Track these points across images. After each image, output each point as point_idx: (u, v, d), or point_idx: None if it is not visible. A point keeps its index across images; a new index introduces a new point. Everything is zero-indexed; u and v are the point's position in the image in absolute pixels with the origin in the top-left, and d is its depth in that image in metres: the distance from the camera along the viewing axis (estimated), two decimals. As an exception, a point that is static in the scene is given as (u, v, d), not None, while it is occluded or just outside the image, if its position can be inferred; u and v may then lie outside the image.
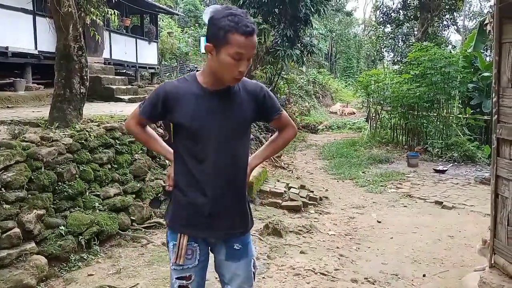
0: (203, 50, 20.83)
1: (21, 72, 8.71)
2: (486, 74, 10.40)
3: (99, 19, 5.57)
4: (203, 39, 20.37)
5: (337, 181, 8.14)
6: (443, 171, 8.38)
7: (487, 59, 12.40)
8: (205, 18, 11.13)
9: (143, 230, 4.66)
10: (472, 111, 10.43)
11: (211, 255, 1.95)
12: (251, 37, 1.65)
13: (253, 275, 1.95)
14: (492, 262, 2.96)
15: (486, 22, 10.18)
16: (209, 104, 1.76)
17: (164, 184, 2.12)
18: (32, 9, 8.72)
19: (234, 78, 1.72)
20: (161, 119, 1.88)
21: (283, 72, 14.06)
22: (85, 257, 3.85)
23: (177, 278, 1.86)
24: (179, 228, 1.84)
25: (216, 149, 1.77)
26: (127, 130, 2.01)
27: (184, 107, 1.75)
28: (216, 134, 1.76)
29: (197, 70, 1.92)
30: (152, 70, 14.59)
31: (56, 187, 3.91)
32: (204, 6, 23.07)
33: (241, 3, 11.74)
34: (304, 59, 13.26)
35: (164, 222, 4.83)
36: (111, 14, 5.97)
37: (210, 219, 1.81)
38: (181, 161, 1.82)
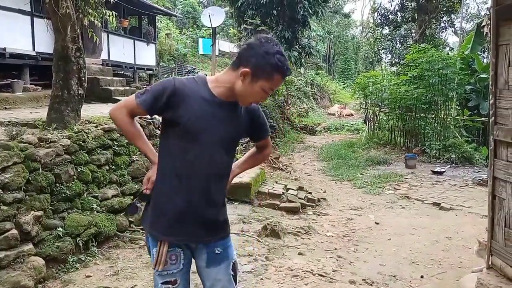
0: (201, 52, 20.96)
1: (19, 73, 8.71)
2: (483, 75, 10.43)
3: (97, 20, 5.56)
4: (201, 41, 20.42)
5: (335, 183, 8.15)
6: (441, 173, 8.40)
7: (484, 61, 12.47)
8: (203, 19, 11.13)
9: (141, 231, 4.65)
10: (470, 112, 10.46)
11: None
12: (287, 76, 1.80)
13: (233, 278, 1.93)
14: (490, 263, 2.97)
15: (483, 24, 10.23)
16: (216, 111, 1.78)
17: (141, 188, 2.07)
18: (30, 10, 8.73)
19: (250, 103, 1.82)
20: (158, 114, 1.80)
21: (281, 74, 14.05)
22: (83, 259, 3.85)
23: (162, 283, 1.85)
24: (160, 235, 1.81)
25: (210, 155, 1.78)
26: (114, 119, 1.85)
27: (190, 107, 1.74)
28: (215, 140, 1.78)
29: (205, 74, 1.94)
30: (150, 72, 14.59)
31: (54, 189, 3.91)
32: (202, 8, 23.08)
33: (239, 4, 11.76)
34: (302, 60, 13.31)
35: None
36: (109, 16, 5.97)
37: (192, 225, 1.80)
38: (168, 164, 1.80)
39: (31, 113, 6.43)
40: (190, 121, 1.73)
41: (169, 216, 1.80)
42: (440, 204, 6.31)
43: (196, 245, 1.87)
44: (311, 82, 22.44)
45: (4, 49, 8.02)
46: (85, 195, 4.26)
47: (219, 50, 18.54)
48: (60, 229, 3.76)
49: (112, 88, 9.80)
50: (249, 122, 1.89)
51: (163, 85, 1.77)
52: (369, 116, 13.42)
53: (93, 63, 10.38)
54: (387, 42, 23.52)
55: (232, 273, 1.92)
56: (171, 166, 1.79)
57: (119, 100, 9.38)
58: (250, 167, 2.17)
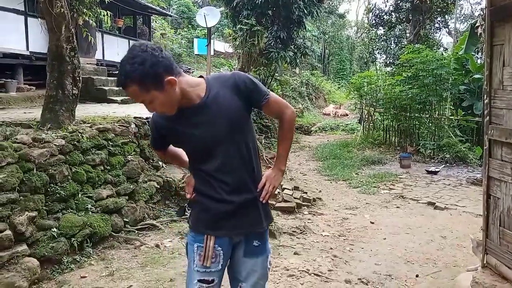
0: (196, 52, 20.95)
1: (12, 73, 8.65)
2: (477, 76, 10.49)
3: (91, 20, 5.54)
4: (196, 41, 20.38)
5: (331, 182, 8.16)
6: (435, 172, 8.44)
7: (478, 61, 12.52)
8: (198, 19, 11.11)
9: (136, 232, 4.64)
10: (464, 112, 10.51)
11: None
12: (124, 88, 1.64)
13: (268, 271, 1.99)
14: (485, 262, 2.99)
15: (477, 24, 10.29)
16: (192, 121, 1.78)
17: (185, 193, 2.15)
18: (23, 9, 8.67)
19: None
20: (167, 146, 2.01)
21: (277, 74, 14.07)
22: (77, 259, 3.83)
23: (199, 281, 1.85)
24: (205, 230, 1.86)
25: (218, 155, 1.80)
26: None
27: (174, 128, 1.82)
28: (211, 141, 1.79)
29: (201, 76, 1.96)
30: (145, 72, 14.51)
31: (48, 189, 3.88)
32: (197, 8, 23.05)
33: (234, 5, 11.74)
34: (297, 60, 13.26)
35: (157, 224, 4.82)
36: (104, 15, 5.94)
37: (232, 219, 1.84)
38: (196, 170, 1.90)
39: (25, 113, 6.39)
40: (182, 138, 1.84)
41: (211, 212, 1.85)
42: (434, 203, 6.33)
43: (239, 239, 1.90)
44: (306, 82, 22.47)
45: (-3, 48, 7.96)
46: (79, 195, 4.24)
47: (214, 50, 18.51)
48: (54, 229, 3.74)
49: (106, 88, 9.76)
50: (237, 97, 1.79)
51: (150, 125, 1.96)
52: (364, 116, 13.46)
53: (87, 63, 10.33)
54: (382, 43, 23.56)
55: (269, 266, 1.99)
56: (198, 173, 1.88)
57: (114, 100, 9.35)
58: (286, 149, 2.03)
